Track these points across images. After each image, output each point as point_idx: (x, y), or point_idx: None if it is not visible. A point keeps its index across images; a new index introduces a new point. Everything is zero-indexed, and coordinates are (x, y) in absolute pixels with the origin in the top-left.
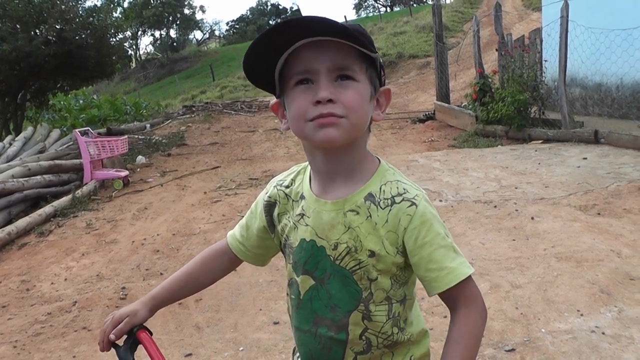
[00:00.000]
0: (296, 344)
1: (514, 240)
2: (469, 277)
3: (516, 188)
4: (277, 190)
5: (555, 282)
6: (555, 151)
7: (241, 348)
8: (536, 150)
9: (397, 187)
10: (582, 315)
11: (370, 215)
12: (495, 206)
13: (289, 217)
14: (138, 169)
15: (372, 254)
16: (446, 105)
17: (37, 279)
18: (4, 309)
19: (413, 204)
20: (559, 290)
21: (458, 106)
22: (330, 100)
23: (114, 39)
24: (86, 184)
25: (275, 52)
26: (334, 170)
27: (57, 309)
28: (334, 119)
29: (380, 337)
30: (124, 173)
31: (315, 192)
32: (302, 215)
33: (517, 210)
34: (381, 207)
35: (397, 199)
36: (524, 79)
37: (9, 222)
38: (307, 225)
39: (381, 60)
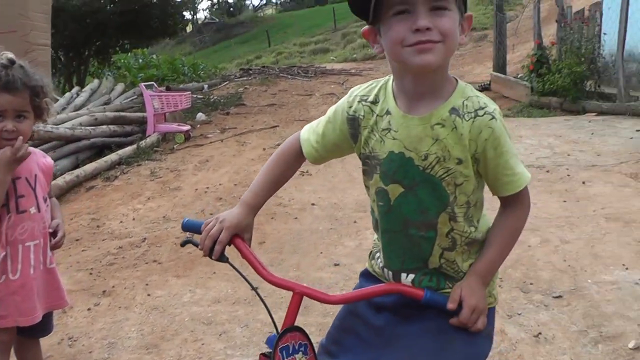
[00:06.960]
0: (383, 245)
1: (564, 201)
2: None
3: (569, 155)
4: (362, 105)
5: (602, 239)
6: (609, 123)
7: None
8: (590, 122)
9: (478, 102)
10: (627, 269)
11: (456, 127)
12: (547, 171)
13: (374, 131)
14: (198, 125)
15: (460, 161)
16: (502, 76)
17: (106, 217)
18: (77, 242)
19: (493, 117)
20: (606, 246)
21: (514, 77)
22: (428, 29)
23: None
24: (149, 136)
25: None
26: (422, 91)
27: (127, 244)
28: (432, 45)
29: (463, 235)
30: (186, 127)
31: (402, 109)
32: (388, 129)
33: (568, 175)
34: (465, 119)
35: (480, 112)
36: (582, 51)
37: (77, 166)
38: (394, 139)
39: None
